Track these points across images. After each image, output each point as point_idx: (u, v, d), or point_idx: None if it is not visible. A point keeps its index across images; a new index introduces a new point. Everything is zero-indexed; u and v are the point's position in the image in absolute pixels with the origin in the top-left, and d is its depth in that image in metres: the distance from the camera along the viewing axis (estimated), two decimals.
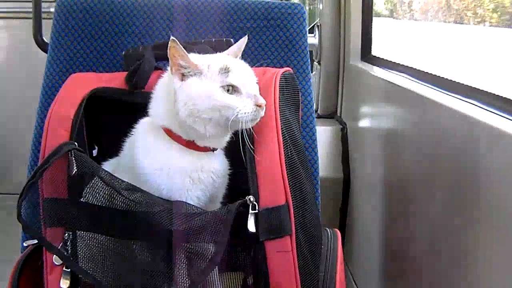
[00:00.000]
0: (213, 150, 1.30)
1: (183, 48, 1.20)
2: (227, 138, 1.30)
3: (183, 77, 1.23)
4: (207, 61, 1.24)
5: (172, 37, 1.19)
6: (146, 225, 1.18)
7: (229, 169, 1.33)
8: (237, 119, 1.19)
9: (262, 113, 1.22)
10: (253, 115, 1.21)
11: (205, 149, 1.28)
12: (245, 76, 1.25)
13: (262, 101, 1.22)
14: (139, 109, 1.32)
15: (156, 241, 1.19)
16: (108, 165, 1.35)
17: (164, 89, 1.29)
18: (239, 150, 1.24)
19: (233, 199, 1.21)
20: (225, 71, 1.22)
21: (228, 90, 1.21)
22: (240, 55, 1.35)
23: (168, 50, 1.20)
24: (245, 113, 1.20)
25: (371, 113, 2.28)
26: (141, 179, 1.25)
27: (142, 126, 1.32)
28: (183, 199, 1.25)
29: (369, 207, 2.20)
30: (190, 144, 1.27)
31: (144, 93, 1.36)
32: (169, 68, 1.26)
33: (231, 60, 1.27)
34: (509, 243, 1.10)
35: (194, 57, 1.25)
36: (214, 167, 1.29)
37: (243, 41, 1.34)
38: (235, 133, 1.26)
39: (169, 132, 1.27)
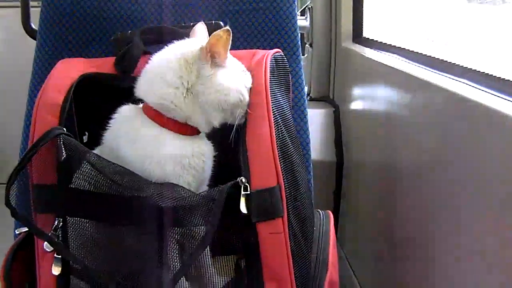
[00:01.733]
0: (198, 133, 1.30)
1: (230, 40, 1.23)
2: None
3: (213, 66, 1.25)
4: (232, 58, 1.30)
5: (227, 27, 1.21)
6: (137, 209, 1.17)
7: (215, 151, 1.33)
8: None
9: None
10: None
11: (193, 132, 1.28)
12: (251, 80, 1.31)
13: None
14: (129, 93, 1.31)
15: (147, 225, 1.18)
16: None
17: (172, 72, 1.26)
18: (228, 133, 1.25)
19: (223, 183, 1.21)
20: (245, 72, 1.30)
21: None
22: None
23: (212, 38, 1.23)
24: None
25: (363, 95, 2.28)
26: (128, 168, 1.23)
27: (124, 114, 1.30)
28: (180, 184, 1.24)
29: (362, 190, 2.20)
30: (182, 127, 1.27)
31: (134, 78, 1.35)
32: (182, 52, 1.27)
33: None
34: (503, 224, 1.10)
35: None
36: (204, 150, 1.29)
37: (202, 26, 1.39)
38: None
39: (157, 117, 1.26)
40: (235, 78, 1.27)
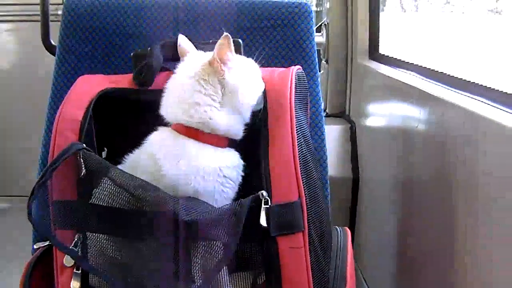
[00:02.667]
0: (229, 145, 1.32)
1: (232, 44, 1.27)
2: None
3: (228, 71, 1.29)
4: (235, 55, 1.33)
5: (226, 33, 1.25)
6: (158, 223, 1.18)
7: (243, 164, 1.33)
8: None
9: None
10: None
11: (226, 144, 1.30)
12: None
13: None
14: (148, 107, 1.32)
15: (168, 240, 1.18)
16: None
17: (199, 94, 1.28)
18: (251, 147, 1.25)
19: (244, 196, 1.21)
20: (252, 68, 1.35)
21: None
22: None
23: (217, 48, 1.27)
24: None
25: (379, 112, 2.28)
26: (166, 189, 1.23)
27: (158, 137, 1.31)
28: (214, 201, 1.26)
29: (378, 206, 2.20)
30: (220, 140, 1.29)
31: (153, 91, 1.36)
32: (188, 71, 1.31)
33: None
34: None
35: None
36: (237, 162, 1.31)
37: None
38: (251, 129, 1.30)
39: (196, 134, 1.28)
40: (248, 70, 1.33)
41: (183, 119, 1.29)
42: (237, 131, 1.31)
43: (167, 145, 1.28)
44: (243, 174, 1.31)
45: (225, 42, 1.26)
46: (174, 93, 1.32)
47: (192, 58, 1.35)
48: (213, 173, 1.25)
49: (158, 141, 1.30)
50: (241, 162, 1.32)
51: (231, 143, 1.32)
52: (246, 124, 1.32)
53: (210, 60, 1.28)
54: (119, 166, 1.32)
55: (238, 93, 1.28)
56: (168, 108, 1.32)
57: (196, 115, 1.27)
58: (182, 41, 1.40)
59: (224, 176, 1.27)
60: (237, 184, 1.30)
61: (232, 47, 1.27)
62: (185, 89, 1.30)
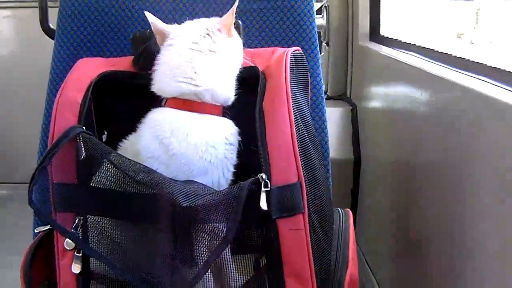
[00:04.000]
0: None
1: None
2: None
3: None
4: None
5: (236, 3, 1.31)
6: (158, 206, 1.17)
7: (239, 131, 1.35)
8: None
9: None
10: None
11: (220, 112, 1.31)
12: None
13: None
14: (147, 91, 1.32)
15: (167, 223, 1.18)
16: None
17: (200, 55, 1.30)
18: (249, 128, 1.25)
19: (244, 178, 1.20)
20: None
21: None
22: None
23: (228, 17, 1.31)
24: None
25: (381, 94, 2.27)
26: (175, 168, 1.25)
27: (159, 118, 1.30)
28: (226, 169, 1.28)
29: (380, 188, 2.20)
30: (216, 108, 1.30)
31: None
32: (187, 39, 1.32)
33: None
34: None
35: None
36: (236, 128, 1.32)
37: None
38: (247, 111, 1.28)
39: (193, 106, 1.28)
40: (240, 43, 1.38)
41: (175, 90, 1.29)
42: (224, 94, 1.31)
43: (170, 122, 1.27)
44: (240, 139, 1.31)
45: (231, 15, 1.32)
46: (165, 64, 1.32)
47: (183, 29, 1.36)
48: (222, 141, 1.27)
49: (159, 121, 1.29)
50: (237, 129, 1.32)
51: (226, 112, 1.32)
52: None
53: (219, 22, 1.33)
54: (119, 150, 1.33)
55: (234, 55, 1.34)
56: (161, 82, 1.31)
57: (188, 80, 1.28)
58: (154, 20, 1.39)
59: (230, 144, 1.28)
60: (237, 150, 1.31)
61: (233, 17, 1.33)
62: (178, 56, 1.31)
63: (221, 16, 1.33)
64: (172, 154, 1.25)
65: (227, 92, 1.31)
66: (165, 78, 1.30)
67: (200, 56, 1.29)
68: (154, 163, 1.26)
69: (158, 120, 1.29)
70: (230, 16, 1.31)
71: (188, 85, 1.27)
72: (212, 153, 1.25)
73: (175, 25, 1.37)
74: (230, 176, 1.29)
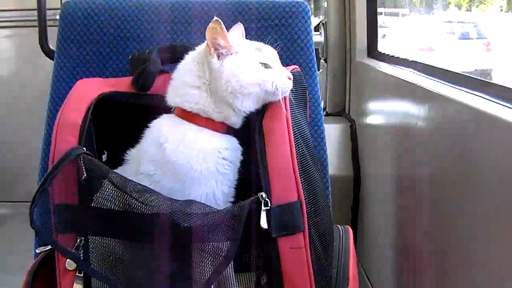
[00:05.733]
0: (227, 132, 1.33)
1: (224, 28, 1.27)
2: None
3: (220, 56, 1.29)
4: (240, 42, 1.34)
5: (216, 18, 1.25)
6: (158, 226, 1.18)
7: (241, 150, 1.35)
8: (275, 90, 1.28)
9: (291, 86, 1.31)
10: (287, 87, 1.30)
11: (226, 130, 1.32)
12: (273, 55, 1.34)
13: (291, 75, 1.32)
14: (147, 111, 1.33)
15: (168, 243, 1.19)
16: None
17: (190, 74, 1.32)
18: (249, 147, 1.26)
19: (244, 197, 1.22)
20: (259, 49, 1.32)
21: (264, 66, 1.29)
22: None
23: (207, 31, 1.27)
24: (282, 84, 1.29)
25: (379, 110, 2.28)
26: (170, 174, 1.27)
27: (160, 124, 1.34)
28: (219, 183, 1.29)
29: (380, 205, 2.19)
30: (219, 126, 1.31)
31: (151, 95, 1.38)
32: (192, 53, 1.35)
33: (258, 42, 1.36)
34: None
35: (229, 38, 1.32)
36: (237, 146, 1.33)
37: (238, 27, 1.43)
38: (247, 130, 1.30)
39: (195, 119, 1.30)
40: (245, 60, 1.30)
41: (179, 102, 1.32)
42: (231, 119, 1.32)
43: (168, 129, 1.31)
44: (241, 157, 1.33)
45: (215, 26, 1.26)
46: (174, 76, 1.36)
47: (203, 44, 1.37)
48: (212, 154, 1.28)
49: (160, 126, 1.33)
50: (239, 147, 1.34)
51: (231, 130, 1.33)
52: (246, 116, 1.34)
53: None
54: (121, 166, 1.34)
55: (221, 80, 1.29)
56: (170, 92, 1.35)
57: (187, 97, 1.31)
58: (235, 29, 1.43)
59: (223, 158, 1.29)
60: (237, 167, 1.32)
61: (225, 33, 1.28)
62: (181, 70, 1.35)
63: None
64: (167, 160, 1.27)
65: (216, 113, 1.31)
66: (170, 88, 1.35)
67: (189, 70, 1.34)
68: (152, 167, 1.29)
69: (160, 125, 1.33)
70: (210, 33, 1.29)
71: (179, 98, 1.33)
72: (202, 165, 1.27)
73: None
74: (226, 190, 1.31)
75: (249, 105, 1.30)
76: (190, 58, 1.35)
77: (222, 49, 1.29)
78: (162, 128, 1.32)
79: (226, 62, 1.29)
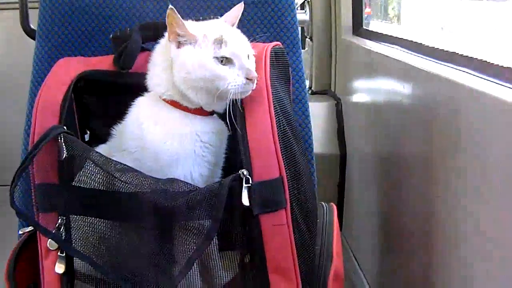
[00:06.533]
0: (212, 113, 1.31)
1: (180, 17, 1.22)
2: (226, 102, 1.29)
3: (179, 45, 1.25)
4: (204, 30, 1.26)
5: (170, 6, 1.20)
6: (139, 205, 1.17)
7: (228, 131, 1.33)
8: (227, 90, 1.21)
9: (253, 86, 1.23)
10: (243, 88, 1.22)
11: (208, 113, 1.30)
12: (240, 48, 1.26)
13: (253, 74, 1.23)
14: (129, 90, 1.32)
15: (150, 221, 1.18)
16: (100, 150, 1.34)
17: (161, 57, 1.30)
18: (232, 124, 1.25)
19: (230, 172, 1.21)
20: (220, 42, 1.23)
21: (221, 61, 1.23)
22: (237, 23, 1.36)
23: (166, 18, 1.22)
24: (235, 85, 1.21)
25: (365, 87, 2.28)
26: (149, 153, 1.25)
27: (142, 103, 1.32)
28: (196, 165, 1.27)
29: (366, 182, 2.20)
30: (196, 111, 1.28)
31: (133, 74, 1.37)
32: (166, 36, 1.28)
33: (228, 31, 1.29)
34: (504, 216, 1.10)
35: (191, 26, 1.27)
36: (220, 128, 1.31)
37: (239, 7, 1.36)
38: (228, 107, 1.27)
39: (173, 103, 1.28)
40: (199, 53, 1.24)
41: (151, 86, 1.31)
42: (205, 105, 1.28)
43: (147, 109, 1.30)
44: (226, 140, 1.32)
45: (169, 13, 1.22)
46: (150, 58, 1.33)
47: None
48: (190, 137, 1.26)
49: (141, 106, 1.32)
50: (224, 128, 1.32)
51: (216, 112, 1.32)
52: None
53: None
54: (102, 145, 1.33)
55: (175, 70, 1.26)
56: (147, 74, 1.32)
57: (158, 82, 1.29)
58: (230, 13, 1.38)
59: (202, 141, 1.27)
60: (220, 149, 1.31)
61: (180, 21, 1.22)
62: (155, 53, 1.33)
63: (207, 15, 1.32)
64: (145, 139, 1.26)
65: (185, 100, 1.28)
66: (148, 70, 1.33)
67: (158, 59, 1.32)
68: (133, 145, 1.27)
69: (140, 104, 1.32)
70: (167, 19, 1.25)
71: (153, 84, 1.32)
72: (178, 147, 1.25)
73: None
74: (206, 173, 1.29)
75: (204, 98, 1.26)
76: (164, 41, 1.32)
77: (180, 37, 1.24)
78: (141, 108, 1.31)
79: (181, 51, 1.25)
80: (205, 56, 1.23)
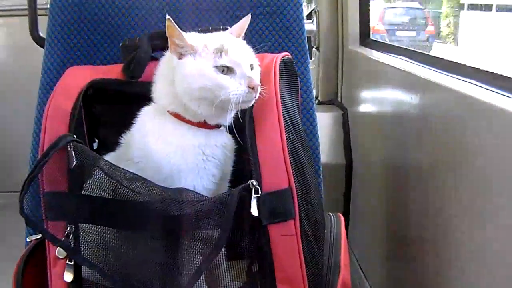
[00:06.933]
0: (219, 126, 1.30)
1: (178, 28, 1.21)
2: (232, 114, 1.28)
3: (180, 56, 1.24)
4: (204, 41, 1.25)
5: (168, 16, 1.20)
6: (148, 214, 1.18)
7: (236, 144, 1.32)
8: (228, 99, 1.20)
9: (256, 96, 1.22)
10: (245, 97, 1.21)
11: (213, 126, 1.29)
12: (241, 56, 1.24)
13: (255, 83, 1.22)
14: (138, 99, 1.32)
15: (159, 230, 1.18)
16: (108, 158, 1.35)
17: (165, 69, 1.30)
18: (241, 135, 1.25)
19: (238, 184, 1.21)
20: (220, 51, 1.22)
21: (223, 71, 1.21)
22: (243, 34, 1.35)
23: (166, 30, 1.22)
24: (236, 94, 1.20)
25: (371, 98, 2.28)
26: (152, 165, 1.25)
27: (147, 113, 1.32)
28: (199, 178, 1.26)
29: (372, 192, 2.20)
30: (200, 124, 1.27)
31: (142, 83, 1.37)
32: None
33: (230, 40, 1.27)
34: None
35: (193, 37, 1.26)
36: (225, 142, 1.30)
37: (246, 19, 1.35)
38: (237, 116, 1.27)
39: (177, 116, 1.27)
40: (199, 63, 1.23)
41: (155, 98, 1.30)
42: (207, 117, 1.27)
43: (151, 120, 1.30)
44: (233, 153, 1.31)
45: (168, 24, 1.21)
46: (156, 71, 1.33)
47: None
48: (192, 150, 1.25)
49: (145, 116, 1.31)
50: (231, 143, 1.32)
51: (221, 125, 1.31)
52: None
53: None
54: (114, 152, 1.33)
55: (176, 81, 1.25)
56: (152, 89, 1.32)
57: (164, 99, 1.28)
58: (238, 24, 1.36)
59: (204, 154, 1.26)
60: (224, 163, 1.30)
61: (178, 32, 1.22)
62: (160, 65, 1.32)
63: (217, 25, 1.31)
64: (149, 150, 1.25)
65: (187, 114, 1.28)
66: (153, 82, 1.33)
67: (163, 72, 1.32)
68: (138, 155, 1.27)
69: (145, 114, 1.32)
70: (167, 32, 1.24)
71: (157, 97, 1.31)
72: (180, 160, 1.24)
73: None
74: (210, 186, 1.28)
75: (206, 110, 1.24)
76: (168, 53, 1.30)
77: (180, 48, 1.24)
78: (146, 119, 1.30)
79: (182, 62, 1.24)
80: (205, 66, 1.22)
